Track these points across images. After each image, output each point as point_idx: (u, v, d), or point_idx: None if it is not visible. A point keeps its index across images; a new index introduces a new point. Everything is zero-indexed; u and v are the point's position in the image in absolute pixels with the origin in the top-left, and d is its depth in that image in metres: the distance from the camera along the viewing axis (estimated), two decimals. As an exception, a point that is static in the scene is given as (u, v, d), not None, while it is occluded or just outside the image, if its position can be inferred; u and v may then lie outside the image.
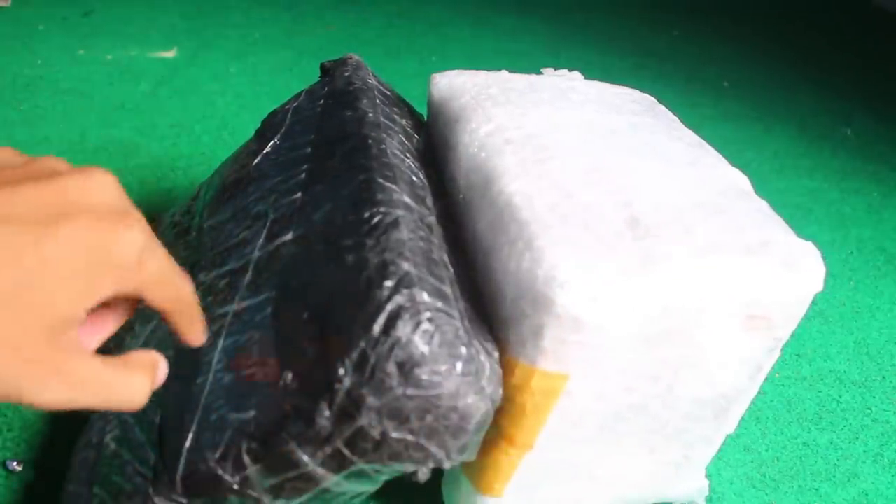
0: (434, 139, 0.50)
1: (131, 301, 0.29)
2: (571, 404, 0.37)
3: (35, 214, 0.24)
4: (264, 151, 0.49)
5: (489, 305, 0.38)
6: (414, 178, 0.42)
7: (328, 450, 0.31)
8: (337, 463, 0.32)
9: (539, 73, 0.55)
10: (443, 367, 0.31)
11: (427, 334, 0.31)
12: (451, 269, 0.37)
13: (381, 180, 0.38)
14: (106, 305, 0.29)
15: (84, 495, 0.38)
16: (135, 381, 0.27)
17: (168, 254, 0.28)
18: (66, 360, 0.25)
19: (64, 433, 0.48)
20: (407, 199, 0.38)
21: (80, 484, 0.38)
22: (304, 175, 0.43)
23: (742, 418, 0.44)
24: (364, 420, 0.30)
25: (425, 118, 0.53)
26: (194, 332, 0.31)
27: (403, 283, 0.32)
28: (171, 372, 0.38)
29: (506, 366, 0.36)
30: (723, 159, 0.46)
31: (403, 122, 0.49)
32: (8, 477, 0.46)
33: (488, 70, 0.52)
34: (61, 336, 0.25)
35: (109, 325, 0.29)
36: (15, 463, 0.47)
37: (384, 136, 0.43)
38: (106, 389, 0.26)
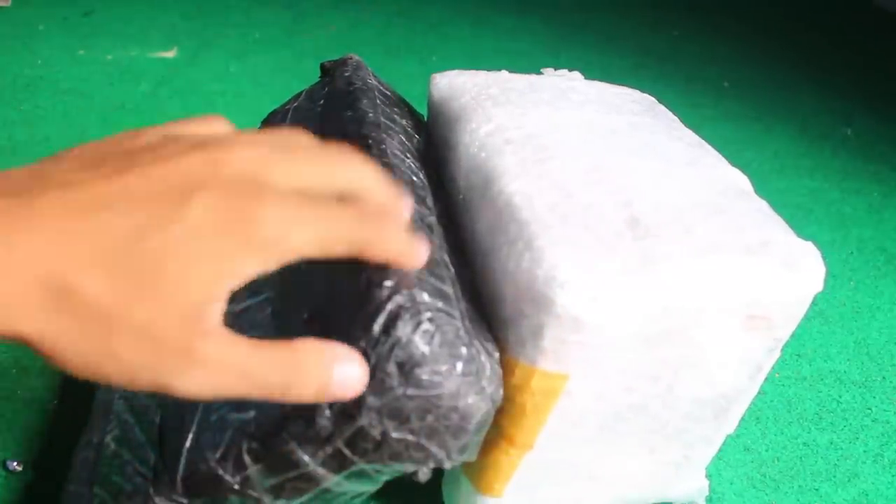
0: (434, 139, 0.50)
1: None
2: (571, 404, 0.37)
3: (159, 196, 0.23)
4: (264, 151, 0.49)
5: (489, 305, 0.38)
6: (414, 179, 0.42)
7: (329, 450, 0.31)
8: (337, 463, 0.32)
9: (539, 73, 0.55)
10: (443, 368, 0.31)
11: (427, 334, 0.31)
12: (452, 270, 0.37)
13: (381, 180, 0.38)
14: None
15: (84, 495, 0.38)
16: (294, 368, 0.25)
17: (321, 216, 0.25)
18: (204, 344, 0.23)
19: (64, 433, 0.48)
20: (407, 200, 0.38)
21: (81, 484, 0.38)
22: (304, 175, 0.43)
23: (742, 418, 0.44)
24: (364, 420, 0.30)
25: (425, 118, 0.53)
26: (404, 256, 0.28)
27: (403, 282, 0.32)
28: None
29: (505, 366, 0.36)
30: (723, 159, 0.46)
31: (404, 122, 0.49)
32: (8, 477, 0.46)
33: (488, 70, 0.52)
34: (199, 322, 0.23)
35: None
36: (15, 463, 0.47)
37: (384, 136, 0.43)
38: (255, 376, 0.24)
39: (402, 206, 0.30)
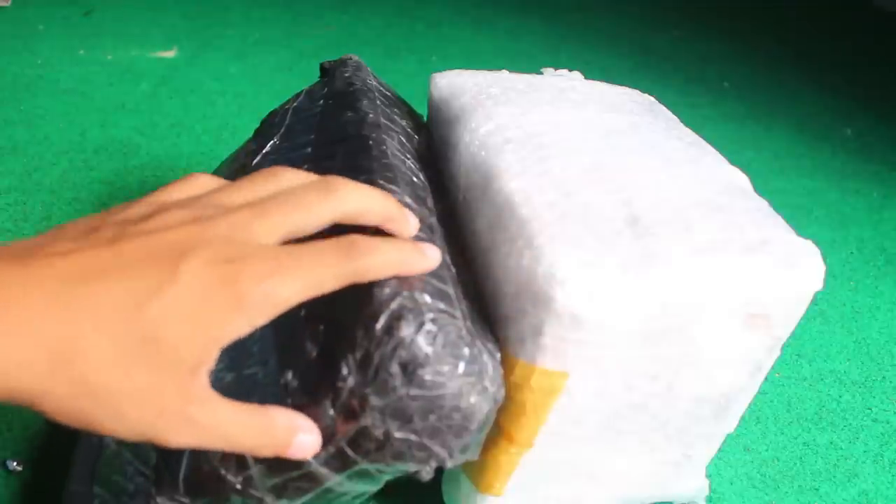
0: (434, 139, 0.50)
1: None
2: (571, 403, 0.37)
3: (151, 262, 0.24)
4: (264, 151, 0.49)
5: (489, 304, 0.38)
6: (415, 179, 0.42)
7: (331, 449, 0.31)
8: (340, 462, 0.32)
9: (539, 72, 0.55)
10: (446, 368, 0.31)
11: (430, 335, 0.31)
12: (453, 270, 0.37)
13: (382, 181, 0.38)
14: None
15: (85, 495, 0.38)
16: (264, 433, 0.28)
17: (303, 263, 0.27)
18: (196, 410, 0.25)
19: (64, 433, 0.48)
20: (408, 200, 0.38)
21: (81, 483, 0.38)
22: (304, 175, 0.43)
23: (742, 418, 0.44)
24: (367, 420, 0.30)
25: (425, 118, 0.53)
26: (407, 265, 0.31)
27: (405, 283, 0.32)
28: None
29: (505, 364, 0.36)
30: (722, 158, 0.46)
31: (403, 122, 0.49)
32: (8, 477, 0.46)
33: (488, 70, 0.52)
34: (193, 386, 0.25)
35: None
36: (15, 463, 0.47)
37: (385, 136, 0.43)
38: (232, 437, 0.27)
39: (402, 214, 0.32)
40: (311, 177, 0.30)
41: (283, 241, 0.27)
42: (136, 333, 0.23)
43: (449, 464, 0.33)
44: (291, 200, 0.28)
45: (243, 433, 0.27)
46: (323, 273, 0.27)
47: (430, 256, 0.32)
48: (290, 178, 0.30)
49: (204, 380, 0.25)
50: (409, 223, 0.33)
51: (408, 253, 0.31)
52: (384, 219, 0.31)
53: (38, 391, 0.23)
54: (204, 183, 0.31)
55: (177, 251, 0.25)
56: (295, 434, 0.29)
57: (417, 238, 0.33)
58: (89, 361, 0.23)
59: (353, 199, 0.30)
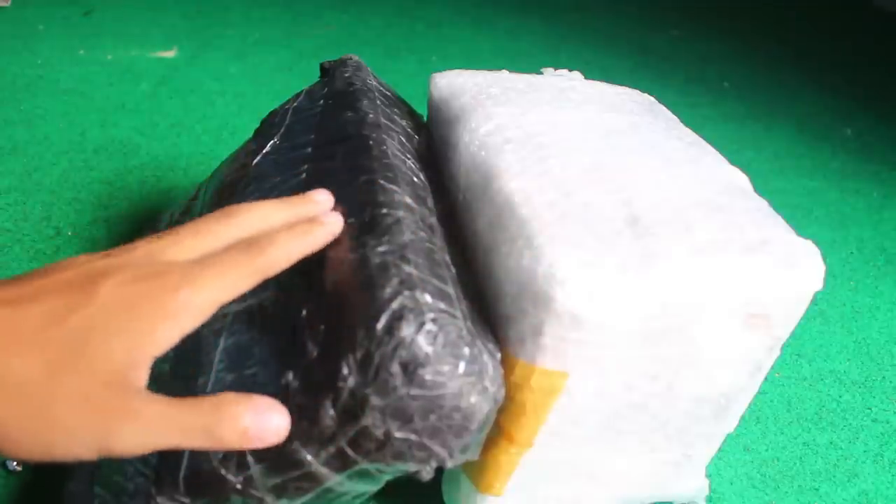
0: (434, 139, 0.50)
1: None
2: (571, 402, 0.37)
3: (69, 288, 0.27)
4: (264, 151, 0.49)
5: (489, 303, 0.38)
6: (415, 179, 0.42)
7: (331, 449, 0.31)
8: (340, 462, 0.32)
9: (539, 72, 0.55)
10: (446, 368, 0.31)
11: (431, 335, 0.31)
12: (453, 270, 0.37)
13: (382, 181, 0.38)
14: None
15: (85, 495, 0.38)
16: (214, 417, 0.27)
17: (212, 271, 0.29)
18: (134, 402, 0.26)
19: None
20: (408, 200, 0.38)
21: (81, 483, 0.38)
22: (304, 175, 0.43)
23: (742, 418, 0.44)
24: (368, 420, 0.30)
25: (425, 118, 0.53)
26: (310, 242, 0.33)
27: (406, 284, 0.32)
28: (173, 372, 0.39)
29: (505, 364, 0.36)
30: (722, 158, 0.46)
31: (404, 122, 0.49)
32: (8, 477, 0.46)
33: (488, 70, 0.52)
34: (125, 385, 0.26)
35: None
36: (15, 463, 0.47)
37: (385, 136, 0.43)
38: (180, 424, 0.27)
39: (304, 201, 0.35)
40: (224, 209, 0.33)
41: (193, 259, 0.30)
42: (61, 343, 0.25)
43: (449, 464, 0.33)
44: (200, 225, 0.31)
45: (192, 419, 0.27)
46: (233, 275, 0.29)
47: (329, 222, 0.34)
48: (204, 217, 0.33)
49: (139, 380, 0.26)
50: (312, 207, 0.35)
51: (302, 233, 0.33)
52: (289, 219, 0.34)
53: None
54: None
55: (93, 277, 0.27)
56: (247, 415, 0.28)
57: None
58: (17, 376, 0.24)
59: (252, 217, 0.32)
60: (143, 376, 0.26)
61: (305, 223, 0.34)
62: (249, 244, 0.31)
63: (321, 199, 0.36)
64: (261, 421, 0.28)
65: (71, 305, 0.26)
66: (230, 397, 0.28)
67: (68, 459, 0.26)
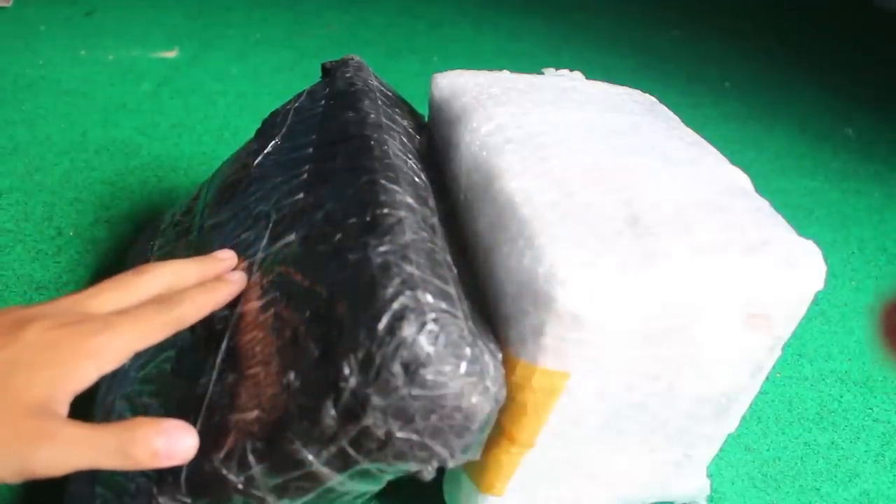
0: (435, 139, 0.50)
1: None
2: (572, 402, 0.37)
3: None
4: (265, 151, 0.49)
5: (490, 303, 0.38)
6: (416, 179, 0.42)
7: (333, 449, 0.31)
8: (341, 462, 0.32)
9: (540, 72, 0.55)
10: (447, 368, 0.31)
11: (432, 335, 0.31)
12: (454, 270, 0.37)
13: (383, 181, 0.38)
14: None
15: (86, 495, 0.38)
16: (126, 438, 0.29)
17: (129, 321, 0.32)
18: (52, 426, 0.28)
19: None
20: (410, 201, 0.38)
21: (82, 483, 0.38)
22: (305, 175, 0.43)
23: (743, 418, 0.44)
24: (369, 420, 0.30)
25: (426, 118, 0.53)
26: (217, 298, 0.37)
27: (408, 284, 0.32)
28: (174, 372, 0.39)
29: (507, 364, 0.36)
30: (723, 158, 0.46)
31: (405, 122, 0.49)
32: (11, 476, 0.46)
33: (489, 70, 0.52)
34: (44, 412, 0.28)
35: None
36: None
37: (386, 137, 0.43)
38: (95, 445, 0.29)
39: (212, 262, 0.39)
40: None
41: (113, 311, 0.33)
42: None
43: (450, 464, 0.33)
44: (118, 281, 0.35)
45: (106, 439, 0.29)
46: (147, 325, 0.32)
47: (233, 281, 0.38)
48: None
49: (58, 410, 0.29)
50: (218, 265, 0.39)
51: (210, 290, 0.37)
52: (199, 274, 0.38)
53: None
54: None
55: (20, 322, 0.30)
56: (157, 437, 0.29)
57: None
58: None
59: (166, 274, 0.36)
60: (62, 408, 0.29)
61: (212, 281, 0.38)
62: (163, 299, 0.34)
63: (225, 256, 0.40)
64: (171, 442, 0.30)
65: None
66: (143, 420, 0.30)
67: None
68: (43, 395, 0.28)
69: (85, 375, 0.30)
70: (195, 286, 0.37)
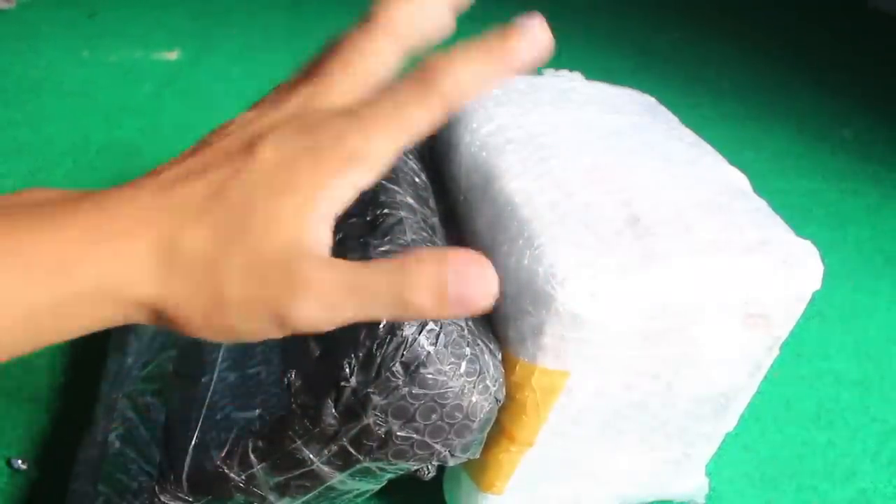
0: (435, 139, 0.50)
1: None
2: (572, 401, 0.37)
3: (226, 157, 0.25)
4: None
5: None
6: (416, 180, 0.42)
7: (334, 448, 0.32)
8: (342, 461, 0.32)
9: (540, 73, 0.55)
10: (447, 367, 0.31)
11: (432, 334, 0.31)
12: (454, 269, 0.37)
13: (384, 182, 0.38)
14: None
15: (89, 493, 0.38)
16: (403, 274, 0.23)
17: (383, 108, 0.24)
18: (307, 270, 0.23)
19: (68, 431, 0.48)
20: (410, 201, 0.38)
21: (85, 482, 0.39)
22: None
23: (741, 417, 0.44)
24: (370, 419, 0.31)
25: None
26: (486, 79, 0.25)
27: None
28: (176, 371, 0.39)
29: (506, 363, 0.36)
30: (722, 159, 0.46)
31: (405, 123, 0.49)
32: (13, 475, 0.47)
33: (490, 71, 0.52)
34: (298, 249, 0.23)
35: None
36: (20, 461, 0.47)
37: (386, 137, 0.43)
38: (363, 289, 0.23)
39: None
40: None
41: (353, 103, 0.25)
42: (225, 214, 0.23)
43: (450, 462, 0.33)
44: (348, 60, 0.27)
45: (376, 279, 0.23)
46: (409, 109, 0.24)
47: (531, 48, 0.25)
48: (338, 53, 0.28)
49: (313, 248, 0.23)
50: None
51: (495, 44, 0.25)
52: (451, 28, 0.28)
53: (155, 294, 0.23)
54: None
55: (250, 140, 0.24)
56: (447, 265, 0.22)
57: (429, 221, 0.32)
58: (190, 251, 0.23)
59: (402, 15, 0.27)
60: (320, 239, 0.23)
61: (496, 37, 0.25)
62: (423, 69, 0.25)
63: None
64: (466, 272, 0.22)
65: (231, 174, 0.23)
66: (421, 255, 0.23)
67: (253, 338, 0.24)
68: (292, 227, 0.23)
69: (343, 192, 0.23)
70: (460, 48, 0.25)
